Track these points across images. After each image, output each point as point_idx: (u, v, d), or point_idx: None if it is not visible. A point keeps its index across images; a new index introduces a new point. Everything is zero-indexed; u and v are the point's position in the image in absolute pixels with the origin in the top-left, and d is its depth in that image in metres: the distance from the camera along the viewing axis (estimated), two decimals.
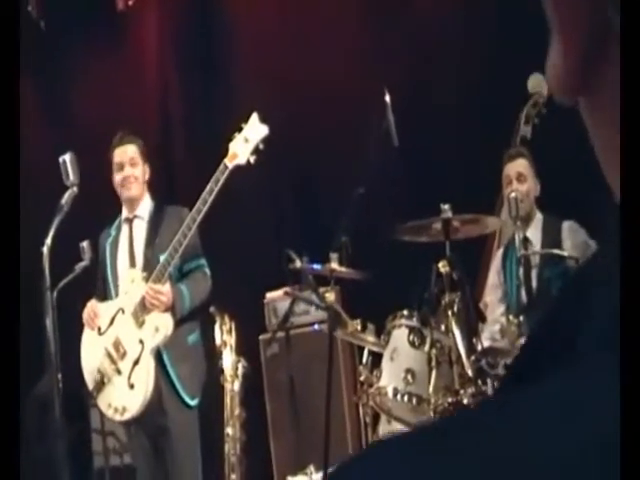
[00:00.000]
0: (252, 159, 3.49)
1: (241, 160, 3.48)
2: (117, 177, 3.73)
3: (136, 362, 3.54)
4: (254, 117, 3.53)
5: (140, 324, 3.57)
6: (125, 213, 3.78)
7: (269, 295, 4.59)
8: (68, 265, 4.15)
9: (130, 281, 3.64)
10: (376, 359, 3.21)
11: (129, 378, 3.55)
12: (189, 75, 5.62)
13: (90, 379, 3.68)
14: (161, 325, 3.54)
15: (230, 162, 3.48)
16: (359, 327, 3.42)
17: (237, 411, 3.54)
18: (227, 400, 3.54)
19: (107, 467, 4.52)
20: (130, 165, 3.73)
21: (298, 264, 3.44)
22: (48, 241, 3.27)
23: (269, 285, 4.47)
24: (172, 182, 5.37)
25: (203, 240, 3.75)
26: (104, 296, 3.76)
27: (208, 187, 3.48)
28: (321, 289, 3.56)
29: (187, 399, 3.58)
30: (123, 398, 3.56)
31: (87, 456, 4.81)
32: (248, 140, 3.49)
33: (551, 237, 3.61)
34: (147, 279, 3.56)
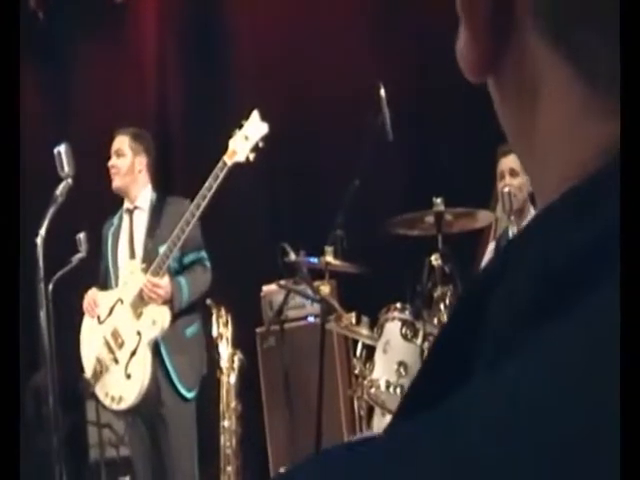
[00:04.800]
0: (251, 157, 3.48)
1: (240, 157, 3.47)
2: None
3: (133, 353, 3.56)
4: (254, 115, 3.52)
5: (138, 315, 3.59)
6: (126, 204, 3.79)
7: (266, 288, 4.60)
8: (65, 257, 4.16)
9: (129, 272, 3.65)
10: (370, 352, 3.21)
11: (126, 368, 3.57)
12: (188, 67, 5.62)
13: (89, 367, 3.71)
14: (158, 318, 3.56)
15: (229, 159, 3.47)
16: (354, 320, 3.42)
17: (233, 404, 3.55)
18: (223, 393, 3.55)
19: (102, 459, 4.53)
20: (116, 156, 3.74)
21: (293, 257, 3.44)
22: (42, 232, 3.27)
23: (266, 278, 4.48)
24: (172, 173, 5.37)
25: (202, 233, 3.75)
26: (105, 285, 3.77)
27: (207, 183, 3.47)
28: (316, 282, 3.57)
29: (184, 391, 3.59)
30: (120, 387, 3.58)
31: (83, 448, 4.83)
32: (248, 138, 3.48)
33: None
34: (146, 271, 3.57)
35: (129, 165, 3.72)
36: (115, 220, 3.81)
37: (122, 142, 3.74)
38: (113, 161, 3.72)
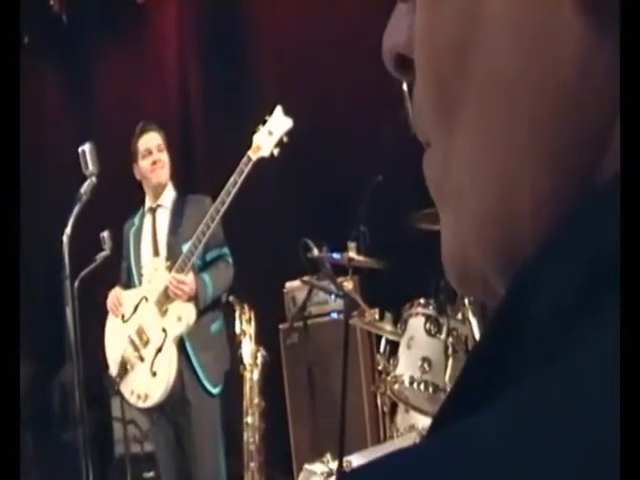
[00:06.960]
0: (276, 152, 3.50)
1: (265, 153, 3.49)
2: (145, 163, 3.74)
3: (159, 350, 3.58)
4: (278, 110, 3.54)
5: (163, 313, 3.61)
6: (148, 203, 3.81)
7: (289, 285, 4.60)
8: (89, 255, 4.19)
9: (154, 270, 3.67)
10: (394, 348, 3.20)
11: (152, 366, 3.59)
12: (209, 65, 5.63)
13: (114, 366, 3.73)
14: (184, 314, 3.58)
15: (254, 154, 3.49)
16: (377, 316, 3.41)
17: (256, 400, 3.55)
18: (246, 389, 3.55)
19: (127, 455, 4.56)
20: (158, 151, 3.75)
21: (316, 253, 3.44)
22: (68, 230, 3.29)
23: (289, 275, 4.48)
24: (193, 172, 5.39)
25: (224, 230, 3.76)
26: (128, 285, 3.80)
27: (232, 179, 3.49)
28: (339, 278, 3.56)
29: (209, 387, 3.61)
30: (145, 385, 3.60)
31: (108, 444, 4.87)
32: (272, 133, 3.50)
33: None
34: (170, 268, 3.59)
35: (169, 160, 3.77)
36: (136, 220, 3.83)
37: (158, 138, 3.77)
38: (157, 155, 3.73)
